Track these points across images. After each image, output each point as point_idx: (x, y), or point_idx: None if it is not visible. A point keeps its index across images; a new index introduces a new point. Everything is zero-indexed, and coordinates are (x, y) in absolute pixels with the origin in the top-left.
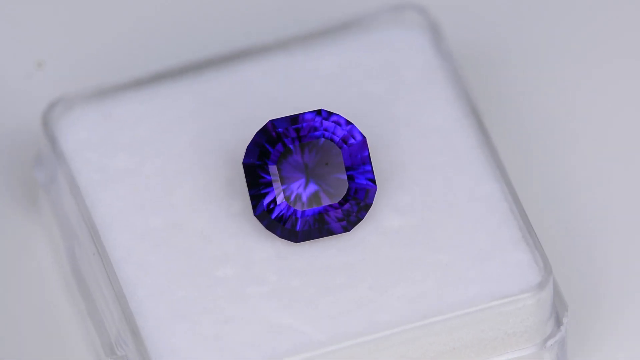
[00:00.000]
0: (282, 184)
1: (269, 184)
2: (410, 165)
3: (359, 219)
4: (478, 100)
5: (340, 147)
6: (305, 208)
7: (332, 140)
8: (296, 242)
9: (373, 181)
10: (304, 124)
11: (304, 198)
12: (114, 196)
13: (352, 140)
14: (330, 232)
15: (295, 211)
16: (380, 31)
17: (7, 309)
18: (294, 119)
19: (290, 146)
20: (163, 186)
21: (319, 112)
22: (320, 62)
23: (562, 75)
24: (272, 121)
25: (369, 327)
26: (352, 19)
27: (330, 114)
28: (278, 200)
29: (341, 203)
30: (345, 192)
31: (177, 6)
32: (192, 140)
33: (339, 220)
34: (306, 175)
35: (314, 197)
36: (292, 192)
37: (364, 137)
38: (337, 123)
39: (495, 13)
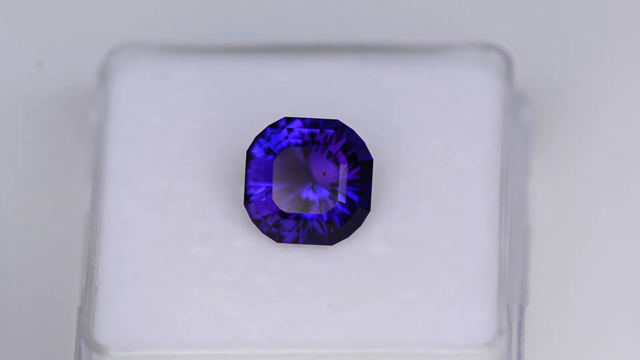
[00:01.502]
0: (279, 182)
1: (266, 179)
2: (419, 200)
3: (344, 236)
4: (532, 152)
5: (344, 162)
6: (296, 211)
7: (338, 153)
8: (277, 242)
9: (368, 203)
10: (316, 130)
11: (297, 201)
12: (132, 151)
13: (358, 158)
14: (313, 241)
15: (284, 212)
16: (457, 65)
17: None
18: (311, 122)
19: (296, 148)
20: (181, 155)
21: (334, 122)
22: (386, 77)
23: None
24: (286, 118)
25: (308, 342)
26: (433, 45)
27: (345, 127)
28: (269, 197)
29: (330, 216)
30: (336, 207)
31: None
32: (227, 119)
33: (325, 231)
34: (304, 180)
35: (307, 203)
36: (287, 192)
37: (371, 159)
38: (349, 138)
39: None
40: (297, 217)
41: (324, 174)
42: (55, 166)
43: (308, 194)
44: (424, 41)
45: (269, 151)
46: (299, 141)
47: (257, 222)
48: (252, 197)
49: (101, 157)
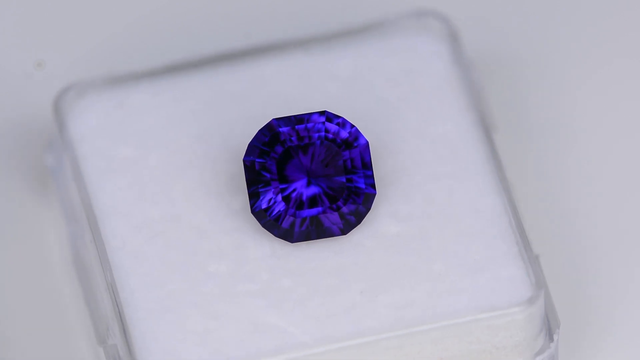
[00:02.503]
0: (281, 183)
1: (268, 183)
2: (414, 174)
3: (356, 223)
4: (492, 111)
5: (342, 150)
6: (303, 209)
7: (334, 142)
8: (292, 242)
9: (373, 186)
10: (307, 125)
11: (303, 198)
12: (116, 185)
13: (354, 144)
14: (326, 234)
15: (292, 211)
16: (401, 37)
17: (11, 291)
18: (298, 119)
19: (292, 146)
20: (166, 178)
21: (322, 114)
22: (337, 64)
23: (579, 87)
24: (275, 119)
25: (354, 332)
26: (373, 22)
27: (334, 116)
28: (276, 200)
29: (339, 206)
30: (343, 195)
31: None
32: (200, 134)
33: (336, 222)
34: (306, 176)
35: (313, 198)
36: (291, 192)
37: (366, 142)
38: (341, 125)
39: (517, 22)
40: (306, 214)
41: (326, 165)
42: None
43: (310, 189)
44: (364, 21)
45: (264, 154)
46: (293, 138)
47: (267, 226)
48: (257, 203)
49: (87, 198)
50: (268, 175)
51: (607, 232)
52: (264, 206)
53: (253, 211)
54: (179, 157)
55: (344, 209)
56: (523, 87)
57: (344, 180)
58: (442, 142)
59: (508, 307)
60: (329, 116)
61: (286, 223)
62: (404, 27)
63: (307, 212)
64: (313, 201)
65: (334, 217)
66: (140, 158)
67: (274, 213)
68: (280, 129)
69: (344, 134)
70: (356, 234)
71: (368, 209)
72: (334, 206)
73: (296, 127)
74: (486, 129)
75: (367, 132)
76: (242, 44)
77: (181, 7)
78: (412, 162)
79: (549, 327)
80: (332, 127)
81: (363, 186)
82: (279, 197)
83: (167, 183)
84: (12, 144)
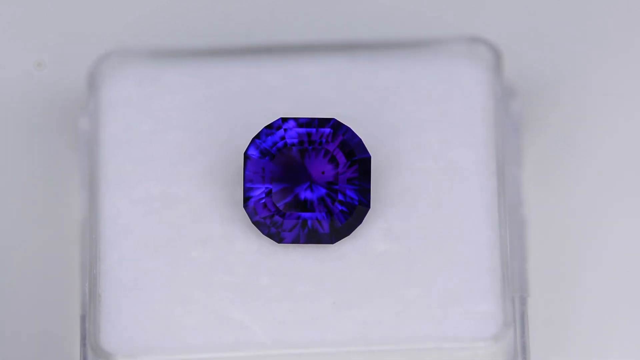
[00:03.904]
0: (277, 183)
1: (264, 180)
2: (417, 196)
3: (345, 234)
4: (523, 144)
5: (343, 160)
6: (295, 211)
7: (335, 151)
8: (279, 242)
9: (368, 201)
10: (312, 129)
11: (296, 202)
12: (127, 157)
13: (356, 156)
14: (314, 240)
15: (284, 213)
16: (445, 59)
17: (25, 252)
18: (306, 122)
19: (293, 148)
20: (176, 159)
21: (330, 121)
22: (376, 75)
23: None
24: (282, 118)
25: (316, 341)
26: (421, 40)
27: (341, 125)
28: (269, 198)
29: (331, 214)
30: (337, 205)
31: None
32: (221, 121)
33: (326, 230)
34: (303, 180)
35: (307, 202)
36: (285, 193)
37: (369, 156)
38: (346, 136)
39: (567, 52)
40: (297, 217)
41: (322, 172)
42: (46, 173)
43: (306, 193)
44: (413, 37)
45: (266, 152)
46: (296, 141)
47: (257, 224)
48: (251, 199)
49: (96, 164)
50: (266, 173)
51: (610, 286)
52: (256, 203)
53: (245, 206)
54: (193, 140)
55: (336, 218)
56: (564, 118)
57: (339, 190)
58: (454, 169)
59: (472, 341)
60: (336, 124)
61: (275, 223)
62: (451, 50)
63: (299, 216)
64: (305, 206)
65: (325, 224)
66: (157, 134)
67: (264, 211)
68: (285, 129)
69: (348, 144)
70: (344, 245)
71: (359, 222)
72: (326, 214)
73: (302, 129)
74: (501, 162)
75: (383, 146)
76: (287, 39)
77: None
78: (418, 183)
79: None
80: (337, 136)
81: (358, 199)
82: (273, 197)
83: (175, 164)
84: (52, 106)
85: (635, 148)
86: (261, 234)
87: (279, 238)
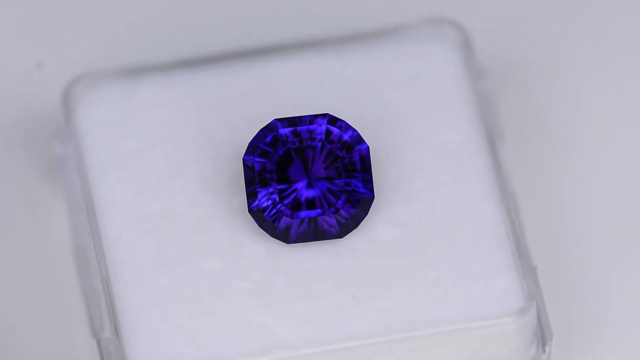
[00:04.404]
0: (280, 184)
1: (267, 183)
2: (415, 180)
3: (353, 227)
4: (501, 120)
5: (343, 153)
6: (301, 210)
7: (334, 145)
8: (288, 243)
9: (371, 191)
10: (309, 127)
11: (301, 200)
12: (117, 177)
13: (355, 148)
14: (322, 237)
15: (290, 212)
16: (414, 43)
17: (13, 279)
18: (300, 120)
19: (292, 147)
20: (168, 173)
21: (324, 116)
22: (348, 67)
23: (590, 99)
24: (276, 120)
25: (344, 335)
26: (387, 27)
27: (337, 119)
28: (274, 200)
29: (337, 209)
30: (342, 198)
31: None
32: (206, 130)
33: (333, 225)
34: (305, 178)
35: (311, 200)
36: (290, 193)
37: (367, 146)
38: (342, 129)
39: (533, 31)
40: (303, 216)
41: (326, 167)
42: (19, 202)
43: (310, 191)
44: (381, 25)
45: (264, 154)
46: (294, 140)
47: (264, 227)
48: (255, 203)
49: (88, 189)
50: (267, 175)
51: (608, 246)
52: (261, 206)
53: (250, 211)
54: (182, 152)
55: (342, 212)
56: (534, 96)
57: (343, 183)
58: (445, 150)
59: (499, 317)
60: (331, 119)
61: (283, 224)
62: (418, 34)
63: (305, 214)
64: (311, 203)
65: (331, 219)
66: (144, 151)
67: (271, 213)
68: (281, 130)
69: (346, 137)
70: (353, 237)
71: (366, 213)
72: (332, 209)
73: (298, 128)
74: (491, 139)
75: (372, 136)
76: (255, 43)
77: (196, 2)
78: (414, 168)
79: (542, 338)
80: (334, 129)
81: (362, 190)
82: (277, 198)
83: (168, 178)
84: (24, 133)
85: (606, 128)
86: (267, 236)
87: (287, 239)
